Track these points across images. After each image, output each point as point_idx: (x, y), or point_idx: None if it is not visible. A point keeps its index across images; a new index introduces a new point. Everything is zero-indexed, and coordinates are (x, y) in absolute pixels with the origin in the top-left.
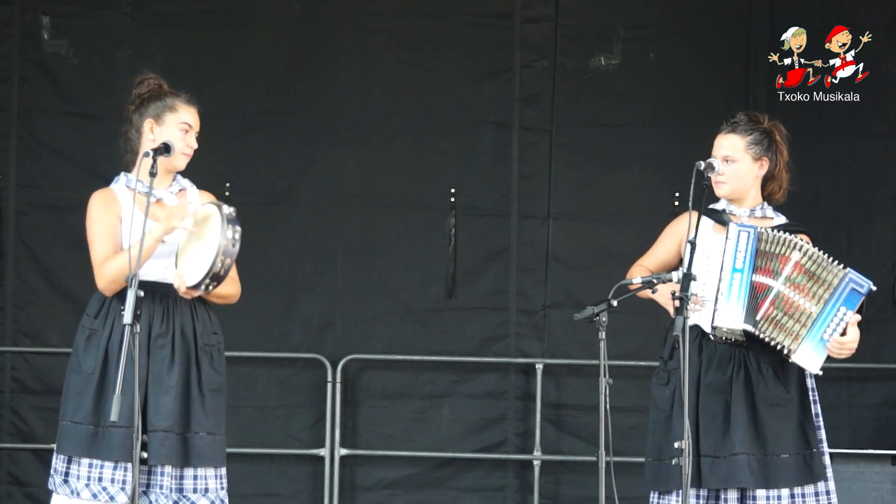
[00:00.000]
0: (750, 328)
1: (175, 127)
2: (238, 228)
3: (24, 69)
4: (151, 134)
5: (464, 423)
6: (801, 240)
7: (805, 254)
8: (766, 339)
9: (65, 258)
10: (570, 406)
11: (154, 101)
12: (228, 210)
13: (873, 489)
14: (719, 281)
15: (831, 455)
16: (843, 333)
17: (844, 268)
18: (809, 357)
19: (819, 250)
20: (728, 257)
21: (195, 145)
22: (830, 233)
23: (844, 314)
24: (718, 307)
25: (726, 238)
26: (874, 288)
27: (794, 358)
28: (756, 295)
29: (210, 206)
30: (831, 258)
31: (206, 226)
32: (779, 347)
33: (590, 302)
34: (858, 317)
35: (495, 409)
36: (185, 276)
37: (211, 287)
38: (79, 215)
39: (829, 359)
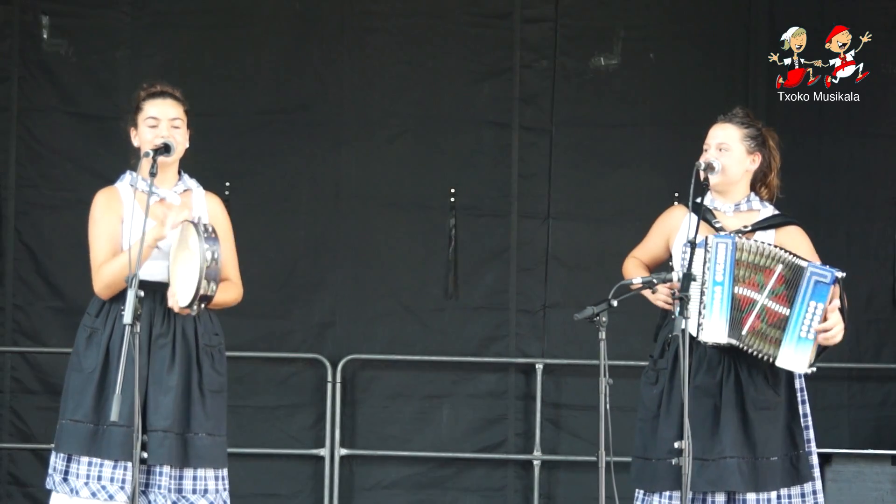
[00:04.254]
0: (735, 342)
1: (144, 125)
2: (216, 248)
3: (23, 69)
4: (135, 140)
5: (464, 423)
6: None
7: (786, 264)
8: (751, 351)
9: (65, 258)
10: (570, 406)
11: (133, 111)
12: (205, 227)
13: (873, 489)
14: (701, 294)
15: (831, 455)
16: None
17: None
18: (792, 358)
19: (791, 255)
20: (709, 269)
21: (166, 133)
22: (830, 233)
23: (815, 308)
24: (702, 321)
25: (705, 249)
26: (840, 274)
27: (777, 363)
28: (741, 308)
29: (186, 224)
30: (797, 257)
31: (187, 243)
32: (761, 356)
33: (589, 302)
34: (837, 303)
35: (495, 409)
36: (178, 295)
37: (203, 306)
38: (78, 215)
39: (826, 357)
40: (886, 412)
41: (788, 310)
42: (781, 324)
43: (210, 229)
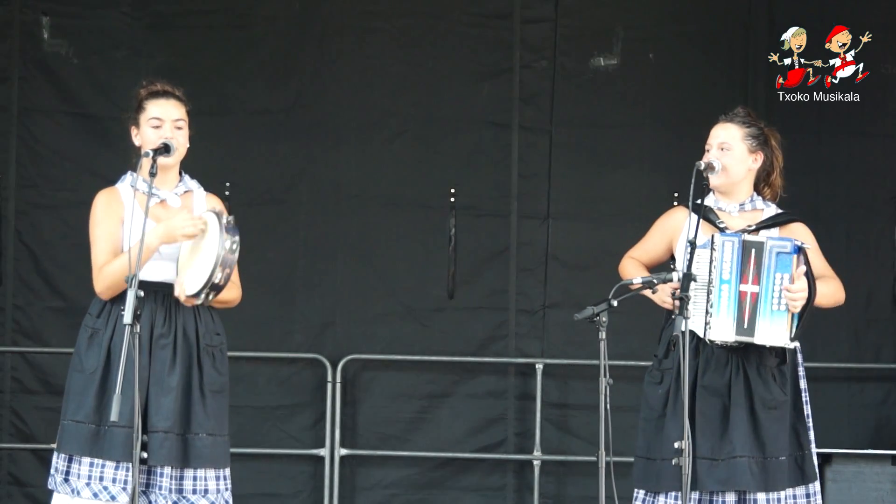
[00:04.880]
0: (741, 338)
1: (147, 126)
2: (236, 238)
3: (24, 69)
4: (137, 140)
5: (464, 423)
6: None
7: (752, 245)
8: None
9: (65, 258)
10: (569, 406)
11: (135, 110)
12: (227, 219)
13: (873, 489)
14: (708, 293)
15: (831, 455)
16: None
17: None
18: (767, 332)
19: (774, 241)
20: (715, 268)
21: (170, 135)
22: (830, 233)
23: (781, 279)
24: (710, 320)
25: (712, 248)
26: (800, 243)
27: (756, 340)
28: (742, 304)
29: (209, 213)
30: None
31: (205, 235)
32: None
33: (589, 302)
34: (803, 269)
35: (495, 409)
36: (185, 284)
37: (211, 296)
38: (78, 215)
39: (827, 357)
40: (886, 412)
41: (759, 287)
42: (754, 303)
43: (231, 221)
